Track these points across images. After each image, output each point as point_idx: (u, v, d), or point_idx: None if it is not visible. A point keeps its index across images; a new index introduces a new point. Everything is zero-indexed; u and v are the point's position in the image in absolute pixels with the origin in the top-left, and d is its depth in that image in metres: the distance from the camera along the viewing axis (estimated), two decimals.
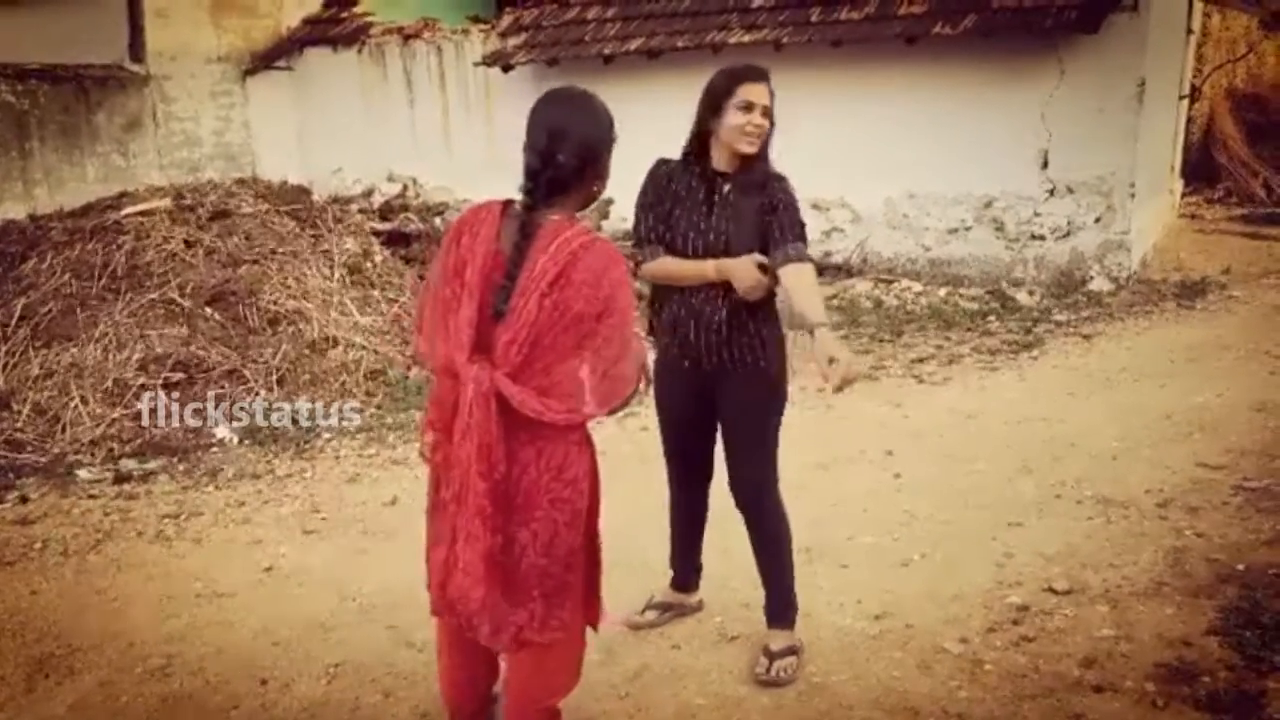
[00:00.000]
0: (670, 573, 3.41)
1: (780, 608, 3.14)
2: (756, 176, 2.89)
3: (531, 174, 2.17)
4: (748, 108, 2.82)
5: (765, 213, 2.84)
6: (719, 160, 2.91)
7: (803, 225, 2.86)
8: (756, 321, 2.92)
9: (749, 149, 2.85)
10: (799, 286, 2.74)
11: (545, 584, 2.25)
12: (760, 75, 2.86)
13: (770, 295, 2.89)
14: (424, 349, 2.30)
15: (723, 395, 2.99)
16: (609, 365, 2.17)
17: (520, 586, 2.23)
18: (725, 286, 2.84)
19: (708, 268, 2.85)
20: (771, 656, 3.05)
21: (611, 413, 2.27)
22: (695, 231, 2.89)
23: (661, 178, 2.96)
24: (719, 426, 3.06)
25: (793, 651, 3.08)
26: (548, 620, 2.27)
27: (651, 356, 2.74)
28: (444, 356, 2.18)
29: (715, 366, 2.94)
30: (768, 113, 2.85)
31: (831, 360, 2.55)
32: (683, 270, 2.89)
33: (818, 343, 2.59)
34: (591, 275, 2.12)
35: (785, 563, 3.13)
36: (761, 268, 2.79)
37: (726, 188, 2.90)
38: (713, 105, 2.87)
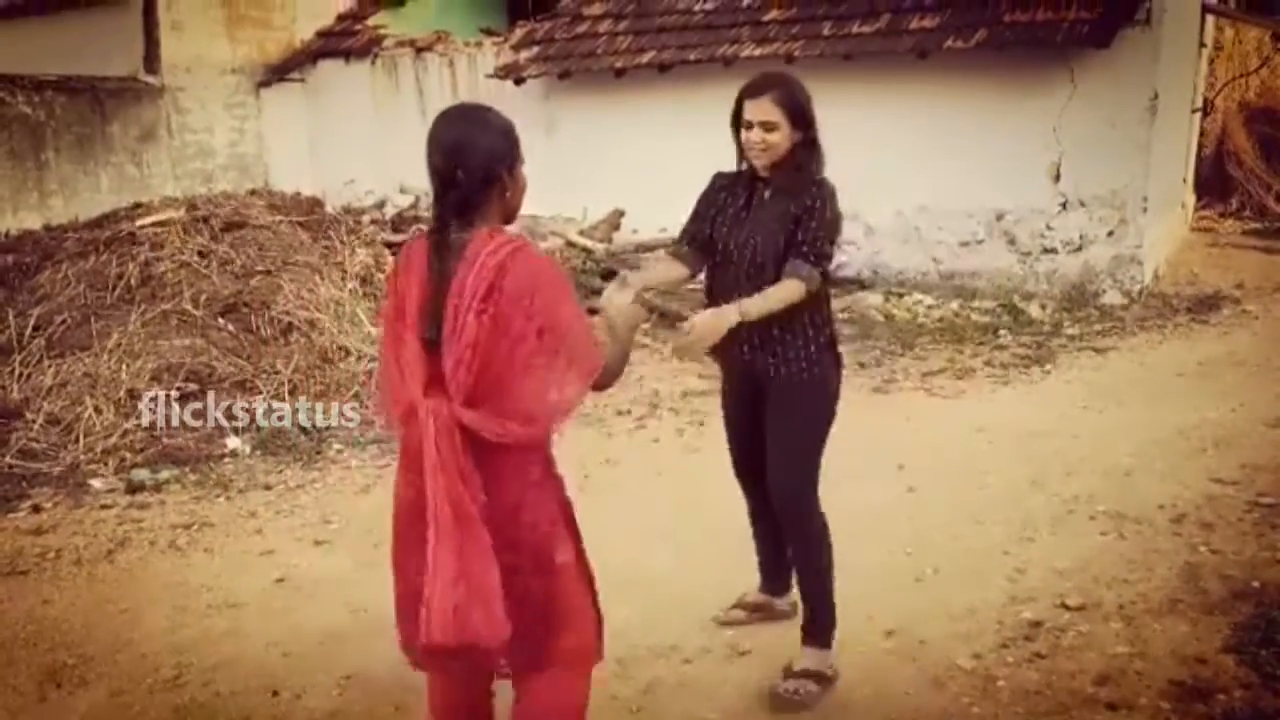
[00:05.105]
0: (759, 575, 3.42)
1: (812, 625, 3.05)
2: (794, 182, 2.87)
3: (437, 196, 2.14)
4: (747, 126, 2.85)
5: (792, 221, 2.82)
6: (761, 168, 2.94)
7: (825, 240, 2.81)
8: (795, 331, 2.88)
9: (759, 165, 2.89)
10: (766, 294, 2.76)
11: (541, 613, 2.20)
12: (757, 89, 2.84)
13: (818, 300, 2.88)
14: (384, 405, 2.25)
15: (770, 405, 2.98)
16: (559, 379, 2.09)
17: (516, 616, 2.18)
18: (749, 287, 2.82)
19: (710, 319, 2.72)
20: (791, 675, 2.98)
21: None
22: (731, 235, 2.93)
23: (714, 187, 3.04)
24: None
25: (818, 677, 2.99)
26: (547, 647, 2.22)
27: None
28: (404, 401, 2.11)
29: (759, 371, 2.94)
30: (768, 127, 2.81)
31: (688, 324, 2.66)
32: (658, 276, 3.21)
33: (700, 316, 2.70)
34: (523, 286, 2.05)
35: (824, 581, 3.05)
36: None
37: (766, 193, 2.91)
38: (733, 122, 2.92)
